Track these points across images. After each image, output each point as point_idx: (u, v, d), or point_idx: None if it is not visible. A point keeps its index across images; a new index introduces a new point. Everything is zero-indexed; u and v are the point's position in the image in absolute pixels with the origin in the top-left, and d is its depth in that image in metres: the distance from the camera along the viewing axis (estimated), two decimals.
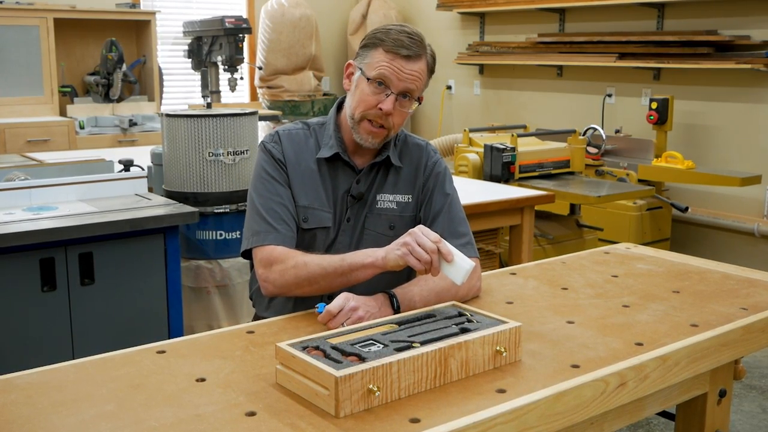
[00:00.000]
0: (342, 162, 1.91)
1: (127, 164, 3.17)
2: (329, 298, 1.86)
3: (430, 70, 1.86)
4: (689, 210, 4.72)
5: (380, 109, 1.79)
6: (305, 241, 1.89)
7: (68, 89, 5.65)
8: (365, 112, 1.81)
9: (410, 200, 1.93)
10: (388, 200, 1.92)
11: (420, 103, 1.87)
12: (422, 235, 1.62)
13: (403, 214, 1.92)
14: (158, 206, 2.77)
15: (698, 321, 1.72)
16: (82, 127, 5.39)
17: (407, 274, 1.98)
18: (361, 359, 1.32)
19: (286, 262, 1.76)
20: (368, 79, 1.80)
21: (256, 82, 6.71)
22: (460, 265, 1.60)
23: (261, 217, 1.83)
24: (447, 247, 1.61)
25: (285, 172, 1.88)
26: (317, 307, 1.66)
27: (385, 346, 1.39)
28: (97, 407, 1.28)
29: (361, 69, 1.83)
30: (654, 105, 4.86)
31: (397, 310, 1.69)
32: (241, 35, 4.78)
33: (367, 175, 1.92)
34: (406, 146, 1.98)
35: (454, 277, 1.60)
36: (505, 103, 6.49)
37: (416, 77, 1.80)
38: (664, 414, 2.29)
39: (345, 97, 1.92)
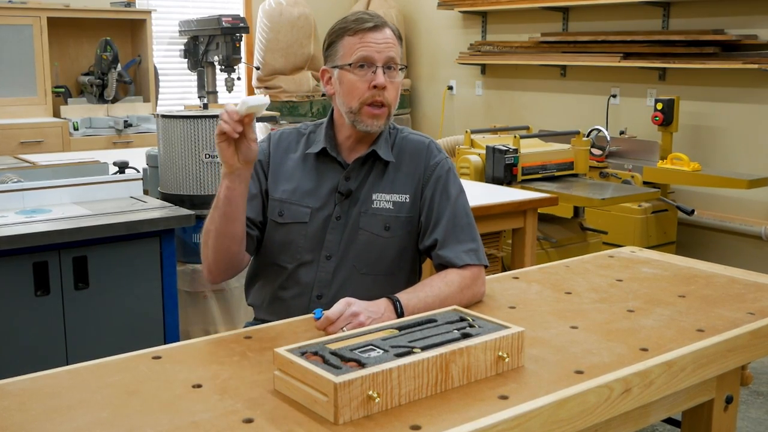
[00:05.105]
0: (330, 158, 1.90)
1: (122, 166, 3.14)
2: (320, 297, 1.84)
3: (399, 38, 1.87)
4: (695, 213, 4.69)
5: (374, 87, 1.79)
6: (282, 235, 1.90)
7: (62, 90, 5.63)
8: (362, 99, 1.80)
9: (407, 200, 1.88)
10: (384, 200, 1.88)
11: (404, 69, 1.88)
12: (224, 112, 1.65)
13: (399, 214, 1.88)
14: (154, 209, 2.74)
15: (704, 326, 1.70)
16: (76, 129, 5.36)
17: (407, 279, 1.95)
18: (361, 365, 1.30)
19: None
20: (350, 66, 1.80)
21: (254, 82, 6.69)
22: (250, 98, 1.66)
23: None
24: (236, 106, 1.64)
25: (263, 169, 1.93)
26: (314, 313, 1.62)
27: (385, 351, 1.37)
28: (92, 414, 1.27)
29: (337, 66, 1.83)
30: (659, 106, 4.82)
31: (400, 315, 1.66)
32: (238, 35, 4.74)
33: (358, 171, 1.89)
34: (405, 143, 1.93)
35: (255, 103, 1.63)
36: (508, 103, 6.46)
37: (391, 43, 1.82)
38: (669, 421, 2.28)
39: None
